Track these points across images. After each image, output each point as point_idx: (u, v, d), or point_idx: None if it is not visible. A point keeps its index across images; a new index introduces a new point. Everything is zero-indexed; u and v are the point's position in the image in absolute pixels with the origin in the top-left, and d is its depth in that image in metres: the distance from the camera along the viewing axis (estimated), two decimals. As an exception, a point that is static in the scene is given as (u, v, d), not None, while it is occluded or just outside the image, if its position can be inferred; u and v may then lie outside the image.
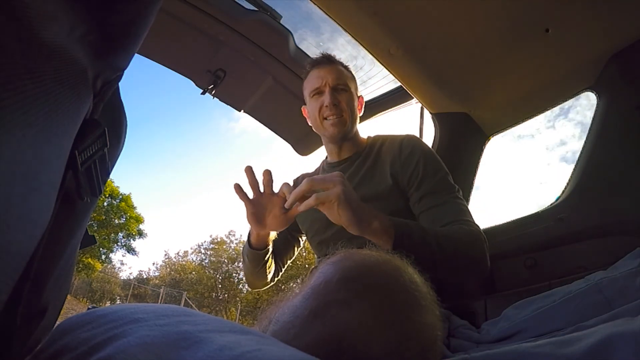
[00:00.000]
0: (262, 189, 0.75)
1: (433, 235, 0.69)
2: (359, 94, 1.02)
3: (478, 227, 0.79)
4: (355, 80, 1.01)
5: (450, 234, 0.73)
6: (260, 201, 0.76)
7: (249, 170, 0.74)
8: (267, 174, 0.74)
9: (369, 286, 0.36)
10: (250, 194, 0.76)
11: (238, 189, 0.75)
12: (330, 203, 0.62)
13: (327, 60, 0.96)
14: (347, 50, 1.32)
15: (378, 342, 0.33)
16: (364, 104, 1.04)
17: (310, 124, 1.02)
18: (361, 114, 1.02)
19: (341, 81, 0.94)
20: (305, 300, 0.37)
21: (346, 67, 1.00)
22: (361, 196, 0.88)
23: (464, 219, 0.79)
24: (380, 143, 0.97)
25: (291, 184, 0.71)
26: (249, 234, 0.91)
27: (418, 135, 1.29)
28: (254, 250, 0.92)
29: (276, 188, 0.75)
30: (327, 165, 1.05)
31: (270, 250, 0.96)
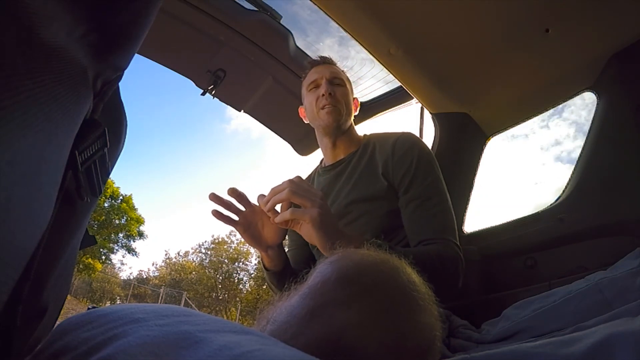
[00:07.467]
0: (241, 207, 0.74)
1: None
2: (353, 96, 1.03)
3: (456, 247, 0.79)
4: (351, 83, 1.04)
5: (425, 259, 0.70)
6: (248, 219, 0.75)
7: (234, 192, 0.72)
8: (233, 192, 0.72)
9: (367, 286, 0.36)
10: (234, 216, 0.75)
11: (219, 215, 0.73)
12: (305, 223, 0.62)
13: (325, 61, 1.02)
14: (335, 50, 1.33)
15: (375, 342, 0.33)
16: (359, 105, 1.06)
17: (307, 122, 1.03)
18: (355, 112, 1.03)
19: (337, 76, 0.98)
20: (302, 300, 0.37)
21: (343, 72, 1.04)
22: (357, 198, 0.88)
23: (444, 238, 0.78)
24: (375, 142, 0.96)
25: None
26: (262, 258, 0.86)
27: (418, 135, 1.29)
28: (271, 271, 0.86)
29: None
30: (321, 170, 1.04)
31: (290, 264, 0.89)
